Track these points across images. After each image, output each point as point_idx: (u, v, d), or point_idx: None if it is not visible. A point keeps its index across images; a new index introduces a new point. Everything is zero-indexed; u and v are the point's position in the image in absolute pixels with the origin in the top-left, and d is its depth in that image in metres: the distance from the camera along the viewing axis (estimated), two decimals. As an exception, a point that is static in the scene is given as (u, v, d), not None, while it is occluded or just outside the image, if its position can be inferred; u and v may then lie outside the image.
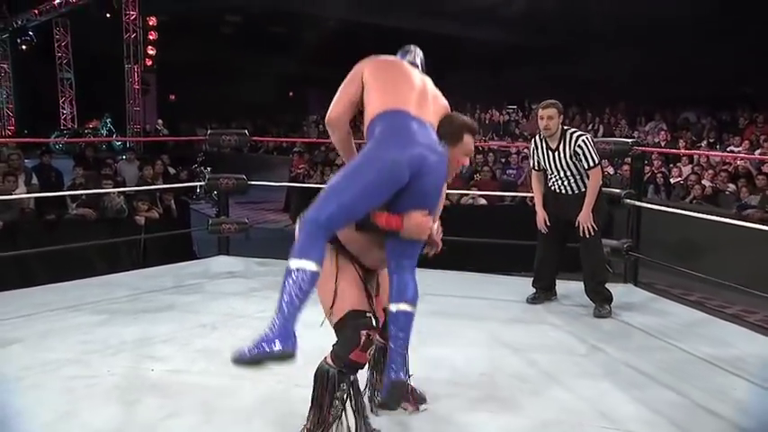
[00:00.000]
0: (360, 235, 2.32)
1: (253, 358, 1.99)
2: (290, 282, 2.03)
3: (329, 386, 2.28)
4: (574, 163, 4.16)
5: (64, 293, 4.43)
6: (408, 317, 2.27)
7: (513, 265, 6.05)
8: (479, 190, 7.38)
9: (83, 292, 4.47)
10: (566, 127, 4.24)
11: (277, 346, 1.97)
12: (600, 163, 4.21)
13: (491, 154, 10.15)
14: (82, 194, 6.34)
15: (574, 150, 4.13)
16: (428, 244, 2.41)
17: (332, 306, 2.31)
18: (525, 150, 10.07)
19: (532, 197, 4.70)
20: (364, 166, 2.13)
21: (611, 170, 9.30)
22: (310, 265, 2.04)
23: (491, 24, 16.24)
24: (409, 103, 2.29)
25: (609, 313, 4.17)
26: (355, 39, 16.88)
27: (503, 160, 10.56)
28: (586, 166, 4.14)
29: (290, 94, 23.65)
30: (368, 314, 2.29)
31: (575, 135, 4.18)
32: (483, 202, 7.38)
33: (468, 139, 2.34)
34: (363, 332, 2.24)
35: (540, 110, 4.22)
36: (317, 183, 8.67)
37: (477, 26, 16.45)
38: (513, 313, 4.24)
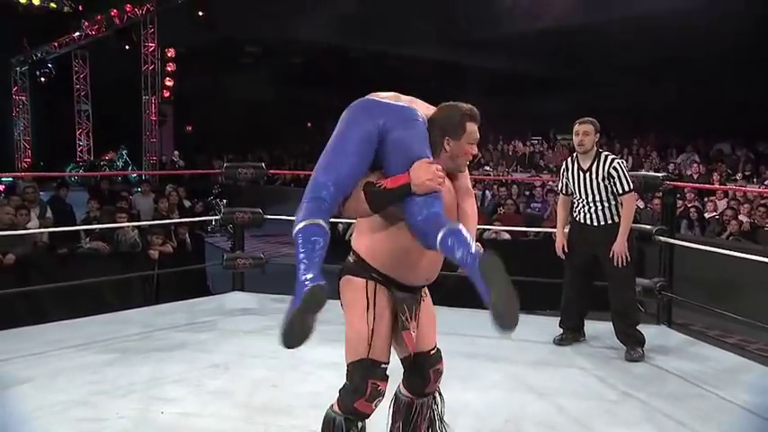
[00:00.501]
0: (389, 237, 2.25)
1: (289, 325, 1.97)
2: (300, 240, 2.01)
3: None
4: (606, 186, 4.11)
5: (76, 330, 4.45)
6: (455, 234, 2.09)
7: (538, 304, 5.97)
8: (502, 224, 7.34)
9: (95, 329, 4.48)
10: (601, 150, 4.22)
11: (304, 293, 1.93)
12: (633, 190, 4.16)
13: (515, 186, 10.10)
14: (96, 228, 6.41)
15: (608, 172, 4.09)
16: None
17: (353, 342, 2.28)
18: (551, 183, 10.05)
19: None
20: (336, 138, 2.18)
21: (641, 204, 9.22)
22: (316, 221, 2.02)
23: (516, 53, 16.38)
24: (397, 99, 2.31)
25: (641, 357, 4.09)
26: (375, 68, 17.13)
27: (527, 193, 10.51)
28: (620, 191, 4.08)
29: (309, 124, 23.94)
30: (383, 365, 2.26)
31: (609, 157, 4.15)
32: (506, 236, 7.32)
33: (471, 127, 2.28)
34: (371, 382, 2.22)
35: (576, 125, 4.20)
36: (333, 216, 8.68)
37: (501, 55, 16.61)
38: (539, 355, 4.18)
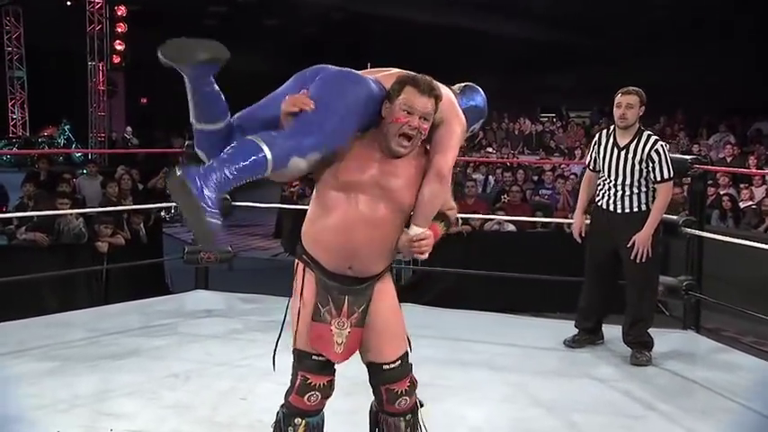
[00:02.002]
0: (314, 210, 2.34)
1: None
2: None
3: (278, 429, 2.41)
4: (641, 170, 4.10)
5: (9, 335, 4.41)
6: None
7: (547, 305, 6.04)
8: (507, 214, 7.37)
9: (30, 334, 4.45)
10: (643, 128, 4.22)
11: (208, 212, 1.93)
12: (673, 179, 4.17)
13: (521, 171, 10.15)
14: (32, 216, 6.36)
15: (648, 155, 4.08)
16: None
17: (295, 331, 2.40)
18: (563, 167, 10.10)
19: (570, 223, 4.68)
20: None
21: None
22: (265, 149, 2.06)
23: (524, 19, 16.38)
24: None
25: (648, 361, 4.17)
26: (363, 32, 17.06)
27: (535, 178, 10.56)
28: (658, 177, 4.09)
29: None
30: (315, 356, 2.34)
31: (652, 138, 4.16)
32: (511, 227, 7.35)
33: (410, 92, 2.23)
34: (299, 373, 2.36)
35: (619, 95, 4.19)
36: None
37: (508, 20, 16.59)
38: (548, 363, 4.20)
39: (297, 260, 2.42)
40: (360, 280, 2.35)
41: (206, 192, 1.94)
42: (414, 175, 2.31)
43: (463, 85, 2.65)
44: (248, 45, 19.84)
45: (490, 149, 14.99)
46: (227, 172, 2.01)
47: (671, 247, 5.59)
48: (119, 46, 19.21)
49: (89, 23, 18.33)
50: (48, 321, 4.79)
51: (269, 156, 2.06)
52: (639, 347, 4.19)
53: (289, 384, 2.40)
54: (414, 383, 2.44)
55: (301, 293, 2.37)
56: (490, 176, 10.93)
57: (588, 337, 4.45)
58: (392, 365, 2.38)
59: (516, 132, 16.03)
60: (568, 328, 4.54)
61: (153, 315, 4.99)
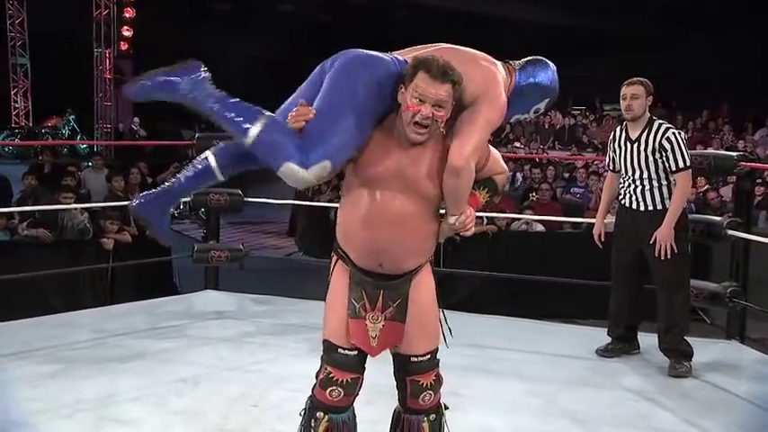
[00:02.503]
0: (346, 206, 2.38)
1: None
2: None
3: (303, 420, 2.47)
4: (655, 161, 4.12)
5: (9, 336, 4.46)
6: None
7: (577, 310, 6.02)
8: (536, 213, 7.33)
9: (33, 335, 4.49)
10: (654, 117, 4.23)
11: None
12: (690, 167, 4.16)
13: (551, 167, 10.10)
14: (35, 211, 6.42)
15: (660, 143, 4.10)
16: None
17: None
18: (596, 164, 10.03)
19: (605, 224, 4.66)
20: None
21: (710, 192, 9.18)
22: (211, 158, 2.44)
23: (554, 3, 16.27)
24: None
25: (688, 372, 4.13)
26: (379, 17, 17.05)
27: (566, 176, 10.52)
28: (673, 167, 4.09)
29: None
30: (342, 350, 2.40)
31: (663, 126, 4.17)
32: (540, 228, 7.32)
33: (422, 78, 2.22)
34: (324, 366, 2.42)
35: (624, 87, 4.24)
36: (329, 201, 8.69)
37: (537, 5, 16.50)
38: (577, 372, 4.18)
39: (333, 252, 2.48)
40: (393, 276, 2.38)
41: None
42: (436, 161, 2.30)
43: (526, 60, 2.61)
44: (260, 31, 19.95)
45: (518, 144, 14.92)
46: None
47: (713, 251, 5.54)
48: (126, 32, 19.29)
49: (95, 8, 18.43)
50: (51, 321, 4.83)
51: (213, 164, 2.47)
52: (677, 357, 4.17)
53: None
54: (439, 379, 2.48)
55: (331, 285, 2.45)
56: (518, 173, 10.89)
57: (622, 345, 4.43)
58: (421, 358, 2.44)
59: (546, 126, 15.93)
60: (600, 335, 4.53)
61: (160, 316, 5.02)
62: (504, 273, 5.76)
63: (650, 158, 4.13)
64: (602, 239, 4.41)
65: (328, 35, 18.92)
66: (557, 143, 15.22)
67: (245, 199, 5.67)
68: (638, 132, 4.19)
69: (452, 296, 6.30)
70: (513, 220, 7.30)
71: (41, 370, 3.94)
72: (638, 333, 4.49)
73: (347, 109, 2.22)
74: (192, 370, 3.99)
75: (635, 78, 4.26)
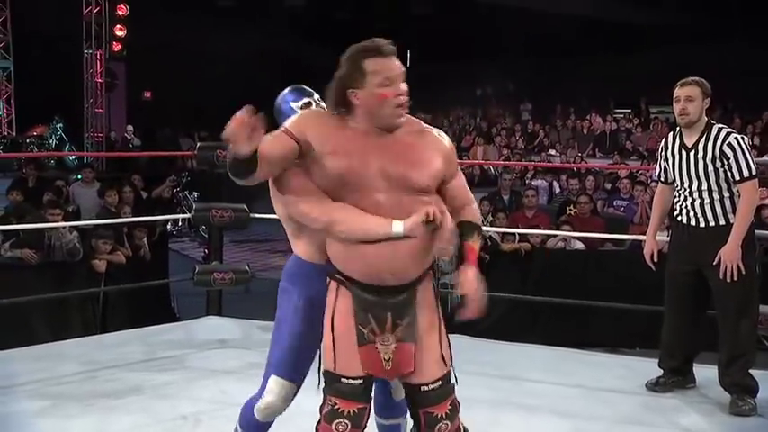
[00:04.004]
0: None
1: None
2: None
3: None
4: (716, 170, 4.04)
5: (-8, 368, 4.49)
6: None
7: (624, 339, 5.96)
8: (574, 229, 7.29)
9: (16, 368, 4.50)
10: (712, 121, 4.18)
11: None
12: (757, 176, 4.09)
13: (591, 178, 10.07)
14: (18, 230, 6.45)
15: (721, 150, 4.02)
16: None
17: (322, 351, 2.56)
18: (642, 174, 9.98)
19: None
20: None
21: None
22: None
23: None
24: None
25: (753, 409, 4.04)
26: (403, 14, 17.09)
27: (608, 187, 10.46)
28: (737, 176, 4.02)
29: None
30: (348, 380, 2.45)
31: (723, 131, 4.10)
32: (579, 245, 7.28)
33: (376, 64, 2.38)
34: (328, 397, 2.47)
35: (677, 88, 4.17)
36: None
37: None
38: (625, 409, 4.13)
39: (329, 278, 2.52)
40: (398, 289, 2.43)
41: None
42: (415, 152, 2.43)
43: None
44: (264, 26, 20.06)
45: (553, 152, 14.91)
46: None
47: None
48: (119, 32, 19.42)
49: (85, 5, 18.56)
50: (36, 353, 4.84)
51: None
52: (741, 392, 4.09)
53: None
54: (456, 406, 2.50)
55: (334, 312, 2.49)
56: (554, 184, 10.86)
57: (676, 379, 4.37)
58: (432, 386, 2.46)
59: (585, 131, 15.92)
60: (650, 367, 4.47)
61: (157, 346, 5.02)
62: (539, 296, 5.74)
63: (710, 167, 4.06)
64: (655, 260, 4.35)
65: (341, 31, 19.03)
66: (597, 150, 15.19)
67: (251, 215, 5.67)
68: (695, 139, 4.12)
69: (481, 322, 6.21)
70: (549, 236, 7.27)
71: (26, 407, 3.94)
72: (694, 365, 4.43)
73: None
74: (193, 406, 3.97)
75: (689, 78, 4.19)
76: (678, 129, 4.25)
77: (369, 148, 2.39)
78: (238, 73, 20.59)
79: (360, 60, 2.38)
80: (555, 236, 7.27)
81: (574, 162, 13.17)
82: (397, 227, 2.35)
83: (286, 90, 2.99)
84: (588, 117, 16.28)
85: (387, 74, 2.36)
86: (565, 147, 15.22)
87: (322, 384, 2.51)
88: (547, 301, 5.77)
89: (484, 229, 2.62)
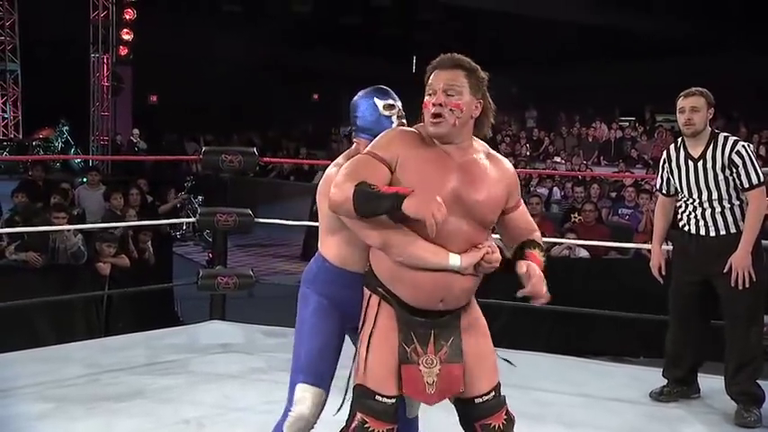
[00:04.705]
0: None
1: None
2: None
3: None
4: (726, 179, 4.03)
5: (-5, 370, 4.48)
6: None
7: (628, 347, 5.94)
8: (579, 237, 7.28)
9: (20, 370, 4.50)
10: (716, 130, 4.17)
11: None
12: (764, 183, 4.07)
13: (596, 186, 10.05)
14: (23, 232, 6.45)
15: (729, 159, 4.01)
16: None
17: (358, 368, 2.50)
18: (647, 182, 9.96)
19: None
20: None
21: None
22: None
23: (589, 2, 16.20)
24: None
25: (757, 421, 4.02)
26: (408, 21, 17.09)
27: (613, 195, 10.45)
28: (746, 184, 4.01)
29: (315, 96, 24.06)
30: (382, 398, 2.40)
31: (730, 139, 4.09)
32: (584, 253, 7.27)
33: (430, 77, 2.42)
34: (359, 414, 2.41)
35: (681, 99, 4.17)
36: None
37: (580, 3, 16.43)
38: (629, 419, 4.11)
39: (369, 291, 2.49)
40: (446, 313, 2.41)
41: None
42: (487, 180, 2.40)
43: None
44: (270, 31, 20.05)
45: (558, 159, 14.89)
46: None
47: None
48: (126, 35, 19.44)
49: (92, 9, 18.60)
50: (40, 355, 4.84)
51: None
52: (747, 402, 4.07)
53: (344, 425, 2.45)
54: (511, 418, 2.50)
55: (374, 327, 2.44)
56: (558, 191, 10.84)
57: (680, 389, 4.35)
58: (486, 398, 2.46)
59: (590, 139, 15.92)
60: (654, 376, 4.46)
61: (161, 349, 5.02)
62: (543, 305, 5.70)
63: (719, 176, 4.05)
64: (663, 273, 4.32)
65: (347, 37, 19.07)
66: (602, 158, 15.17)
67: (256, 219, 5.67)
68: (701, 149, 4.11)
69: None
70: (554, 244, 7.24)
71: (29, 410, 3.93)
72: (699, 375, 4.41)
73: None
74: (196, 410, 3.97)
75: (693, 89, 4.18)
76: (681, 140, 4.24)
77: (448, 167, 2.38)
78: (244, 78, 20.65)
79: (430, 72, 2.43)
80: (560, 243, 7.24)
81: (579, 170, 13.17)
82: (455, 260, 2.33)
83: (369, 89, 2.88)
84: (593, 125, 16.29)
85: (432, 84, 2.39)
86: (570, 154, 15.21)
87: (348, 398, 2.47)
88: (550, 308, 5.74)
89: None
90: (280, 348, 5.05)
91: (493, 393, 2.47)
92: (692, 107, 4.11)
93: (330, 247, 2.68)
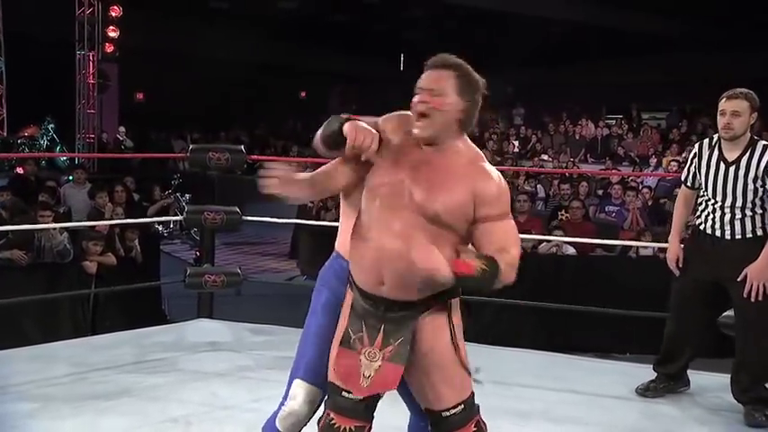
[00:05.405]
0: (348, 220, 2.55)
1: None
2: None
3: None
4: (755, 189, 3.93)
5: (-19, 369, 4.46)
6: None
7: (615, 344, 5.96)
8: (566, 234, 7.30)
9: (5, 369, 4.47)
10: (756, 137, 4.05)
11: None
12: None
13: (583, 183, 10.08)
14: (8, 231, 6.43)
15: (765, 170, 3.88)
16: None
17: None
18: (632, 180, 10.01)
19: (642, 246, 4.61)
20: None
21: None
22: None
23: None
24: None
25: (766, 422, 3.98)
26: (395, 18, 17.07)
27: (600, 192, 10.50)
28: None
29: (303, 94, 24.03)
30: (347, 394, 2.40)
31: None
32: (571, 251, 7.29)
33: (422, 76, 2.41)
34: (326, 411, 2.45)
35: (724, 100, 4.00)
36: (335, 220, 8.68)
37: (558, 5, 16.43)
38: (620, 416, 4.11)
39: (349, 283, 2.53)
40: (396, 304, 2.36)
41: None
42: (440, 176, 2.33)
43: None
44: (258, 28, 19.99)
45: (545, 157, 14.93)
46: None
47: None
48: (112, 33, 19.35)
49: (78, 6, 18.52)
50: (27, 354, 4.81)
51: None
52: (756, 403, 4.01)
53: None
54: (481, 427, 2.50)
55: (341, 317, 2.49)
56: (545, 188, 10.86)
57: (667, 384, 4.32)
58: (453, 411, 2.43)
59: (577, 137, 15.96)
60: (642, 372, 4.47)
61: (148, 348, 5.00)
62: (531, 300, 5.72)
63: (750, 186, 3.94)
64: (680, 265, 4.20)
65: (335, 34, 19.04)
66: (589, 156, 15.21)
67: (243, 217, 5.66)
68: (737, 154, 3.98)
69: (473, 328, 6.25)
70: (541, 241, 7.27)
71: (15, 408, 3.91)
72: (689, 370, 4.39)
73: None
74: (184, 408, 3.96)
75: (738, 91, 3.99)
76: (717, 139, 4.08)
77: (411, 159, 2.37)
78: (231, 75, 20.59)
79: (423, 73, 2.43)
80: (547, 241, 7.26)
81: (566, 167, 13.20)
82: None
83: None
84: (580, 122, 16.33)
85: (420, 83, 2.38)
86: (557, 152, 15.27)
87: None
88: (538, 305, 5.76)
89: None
90: (267, 346, 5.05)
91: (461, 407, 2.44)
92: (733, 111, 3.94)
93: (343, 243, 2.67)
